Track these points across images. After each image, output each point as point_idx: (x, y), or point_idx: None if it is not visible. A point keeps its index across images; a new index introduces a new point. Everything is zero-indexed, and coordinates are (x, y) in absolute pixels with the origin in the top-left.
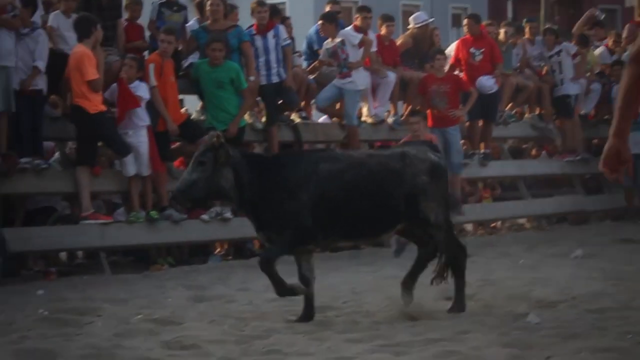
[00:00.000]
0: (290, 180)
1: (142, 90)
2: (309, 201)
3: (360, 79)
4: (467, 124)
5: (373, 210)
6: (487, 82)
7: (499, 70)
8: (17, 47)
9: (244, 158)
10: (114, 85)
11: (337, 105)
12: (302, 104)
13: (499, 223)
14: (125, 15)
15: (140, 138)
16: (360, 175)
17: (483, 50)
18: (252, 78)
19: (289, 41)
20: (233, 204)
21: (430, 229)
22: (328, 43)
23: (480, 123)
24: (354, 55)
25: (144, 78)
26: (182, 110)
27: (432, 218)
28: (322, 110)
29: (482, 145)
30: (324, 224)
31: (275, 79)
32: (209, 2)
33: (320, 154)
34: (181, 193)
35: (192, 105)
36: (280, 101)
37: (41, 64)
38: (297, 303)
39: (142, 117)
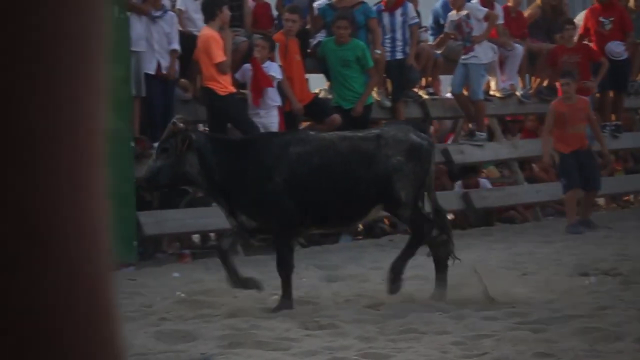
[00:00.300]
0: (262, 163)
1: (274, 69)
2: (285, 184)
3: (484, 52)
4: (598, 95)
5: (344, 195)
6: (617, 48)
7: (630, 39)
8: (152, 30)
9: (209, 142)
10: (246, 65)
11: None
12: (429, 79)
13: (631, 196)
14: None
15: (271, 118)
16: (330, 159)
17: (613, 18)
18: (378, 52)
19: (416, 20)
20: (203, 190)
21: (399, 208)
22: (452, 15)
23: (611, 94)
24: (478, 29)
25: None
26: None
27: (402, 197)
28: None
29: (613, 116)
30: (297, 211)
31: (399, 56)
32: None
33: (290, 136)
34: (147, 181)
35: (319, 84)
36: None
37: (177, 47)
38: (430, 281)
39: (274, 97)
